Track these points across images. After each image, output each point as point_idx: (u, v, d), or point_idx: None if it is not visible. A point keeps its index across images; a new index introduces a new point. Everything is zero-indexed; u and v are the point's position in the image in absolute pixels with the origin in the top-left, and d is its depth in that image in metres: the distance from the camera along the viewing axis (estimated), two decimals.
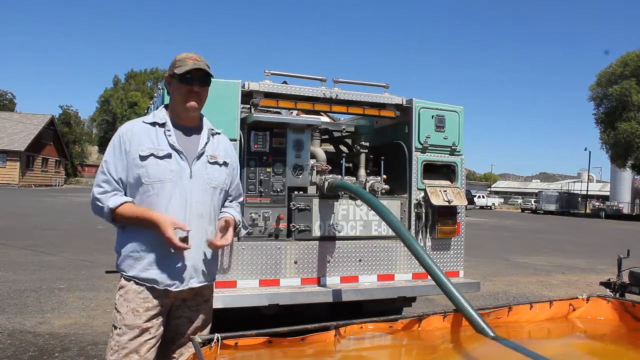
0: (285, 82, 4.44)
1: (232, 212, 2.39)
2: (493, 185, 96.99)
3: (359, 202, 4.10)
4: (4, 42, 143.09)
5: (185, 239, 2.12)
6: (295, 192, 4.08)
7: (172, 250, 2.12)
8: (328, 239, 4.10)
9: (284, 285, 3.93)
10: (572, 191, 63.06)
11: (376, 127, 5.05)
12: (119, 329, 2.17)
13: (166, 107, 2.36)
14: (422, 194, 4.36)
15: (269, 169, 3.98)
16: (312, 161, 4.29)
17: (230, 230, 2.26)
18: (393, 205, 4.27)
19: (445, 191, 4.34)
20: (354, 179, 4.46)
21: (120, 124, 2.83)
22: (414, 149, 4.37)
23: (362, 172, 4.56)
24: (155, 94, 5.50)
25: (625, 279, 4.82)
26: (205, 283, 2.30)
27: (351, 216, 4.20)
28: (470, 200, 44.27)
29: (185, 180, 2.22)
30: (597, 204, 54.95)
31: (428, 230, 4.39)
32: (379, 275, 4.25)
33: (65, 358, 4.34)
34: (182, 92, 2.25)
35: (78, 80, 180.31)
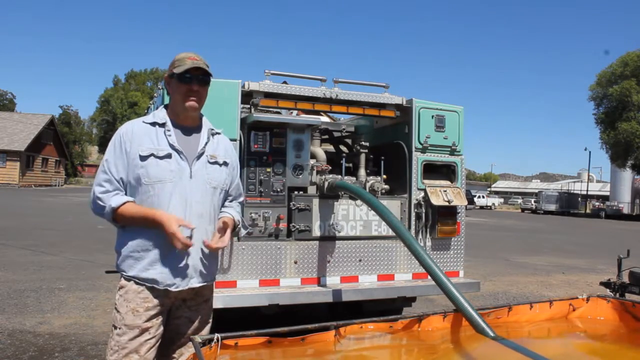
0: (285, 82, 4.44)
1: (232, 212, 2.39)
2: (493, 185, 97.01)
3: (359, 202, 4.10)
4: (4, 42, 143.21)
5: (189, 237, 2.12)
6: (295, 192, 4.08)
7: (178, 248, 2.10)
8: (328, 239, 4.10)
9: (284, 285, 3.93)
10: (572, 191, 63.07)
11: (376, 127, 5.05)
12: (119, 328, 2.17)
13: (166, 107, 2.36)
14: (422, 194, 4.36)
15: (269, 169, 3.98)
16: (312, 161, 4.29)
17: (228, 231, 2.26)
18: (393, 205, 4.27)
19: (445, 191, 4.34)
20: (354, 179, 4.46)
21: (120, 124, 2.84)
22: (414, 149, 4.37)
23: (362, 172, 4.56)
24: (155, 94, 5.50)
25: (625, 279, 4.82)
26: (205, 283, 2.30)
27: (351, 216, 4.20)
28: (470, 200, 44.26)
29: (185, 180, 2.22)
30: (597, 204, 54.95)
31: (428, 230, 4.39)
32: (379, 275, 4.25)
33: (65, 358, 4.34)
34: (181, 92, 2.25)
35: (78, 80, 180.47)
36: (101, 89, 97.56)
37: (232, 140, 2.82)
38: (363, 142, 4.62)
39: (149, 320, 2.18)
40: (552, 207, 50.07)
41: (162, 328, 2.24)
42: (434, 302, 6.36)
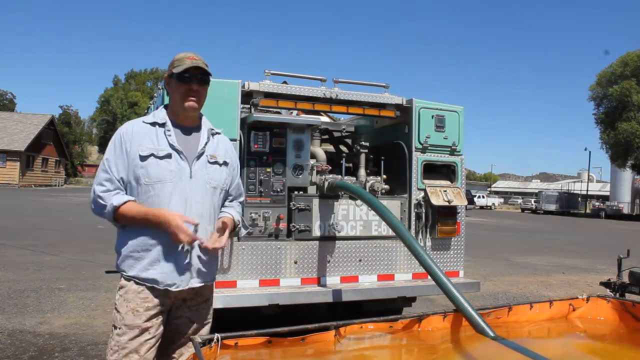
0: (285, 82, 4.44)
1: (232, 212, 2.39)
2: (493, 185, 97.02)
3: (359, 202, 4.10)
4: (4, 42, 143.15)
5: (194, 232, 2.13)
6: (295, 192, 4.08)
7: (184, 241, 2.10)
8: (328, 239, 4.10)
9: (284, 285, 3.93)
10: (572, 191, 63.07)
11: (376, 127, 5.05)
12: (119, 328, 2.17)
13: (166, 107, 2.36)
14: (422, 194, 4.36)
15: (269, 169, 3.98)
16: (312, 161, 4.29)
17: (226, 232, 2.26)
18: (393, 205, 4.27)
19: (445, 191, 4.34)
20: (354, 179, 4.46)
21: (120, 124, 2.83)
22: (414, 149, 4.37)
23: (362, 172, 4.56)
24: (155, 94, 5.50)
25: (625, 279, 4.82)
26: (205, 283, 2.30)
27: (351, 216, 4.20)
28: (470, 200, 44.26)
29: (185, 180, 2.22)
30: (597, 204, 54.94)
31: (428, 230, 4.39)
32: (379, 275, 4.25)
33: (65, 358, 4.34)
34: (180, 91, 2.25)
35: (78, 80, 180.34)
36: (101, 89, 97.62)
37: (232, 140, 2.82)
38: (363, 142, 4.62)
39: (149, 320, 2.18)
40: (552, 207, 50.07)
41: (162, 328, 2.24)
42: (434, 302, 6.36)
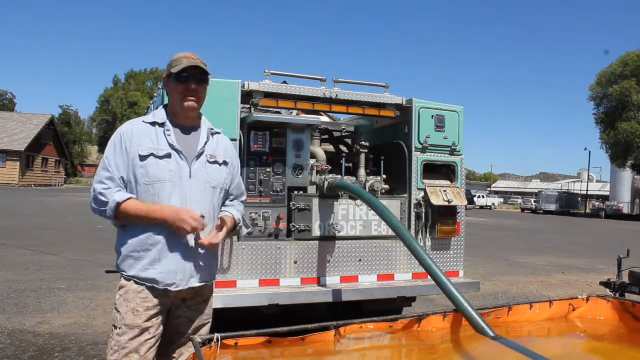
0: (285, 82, 4.44)
1: (232, 211, 2.39)
2: (493, 185, 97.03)
3: (359, 202, 4.10)
4: (4, 42, 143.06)
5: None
6: (295, 192, 4.08)
7: (193, 225, 2.11)
8: (328, 239, 4.10)
9: (284, 285, 3.93)
10: (572, 191, 63.08)
11: (376, 127, 5.05)
12: (119, 328, 2.17)
13: (166, 107, 2.36)
14: (422, 194, 4.36)
15: (269, 169, 3.98)
16: (312, 161, 4.29)
17: (224, 229, 2.26)
18: (393, 205, 4.27)
19: (445, 191, 4.34)
20: (354, 179, 4.46)
21: (120, 124, 2.83)
22: (414, 149, 4.37)
23: (362, 172, 4.56)
24: (155, 94, 5.50)
25: (625, 279, 4.81)
26: (205, 283, 2.30)
27: (351, 216, 4.20)
28: (470, 200, 44.26)
29: (184, 180, 2.22)
30: (597, 204, 54.95)
31: (428, 230, 4.39)
32: (379, 275, 4.25)
33: (65, 358, 4.34)
34: (179, 91, 2.25)
35: (78, 80, 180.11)
36: (101, 89, 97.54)
37: (232, 140, 2.82)
38: (363, 142, 4.62)
39: (149, 320, 2.18)
40: (552, 207, 50.07)
41: (162, 328, 2.24)
42: (434, 302, 6.35)
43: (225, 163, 2.36)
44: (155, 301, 2.19)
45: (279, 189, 4.00)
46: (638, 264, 4.77)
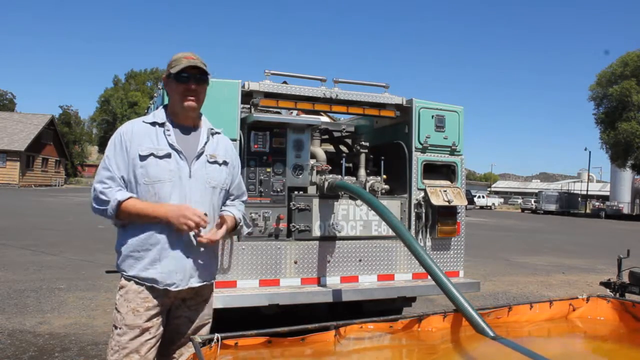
0: (285, 82, 4.44)
1: (233, 210, 2.39)
2: (493, 185, 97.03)
3: (359, 202, 4.10)
4: (4, 42, 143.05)
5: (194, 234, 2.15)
6: (295, 192, 4.08)
7: (195, 221, 2.11)
8: (328, 239, 4.10)
9: (284, 285, 3.93)
10: (572, 191, 63.08)
11: (376, 127, 5.05)
12: (120, 328, 2.17)
13: (165, 107, 2.36)
14: (422, 194, 4.36)
15: (269, 169, 3.98)
16: (312, 161, 4.29)
17: (223, 227, 2.26)
18: (393, 205, 4.27)
19: (445, 191, 4.34)
20: (354, 179, 4.46)
21: (120, 124, 2.82)
22: (414, 149, 4.37)
23: (362, 172, 4.56)
24: (155, 94, 5.50)
25: (625, 279, 4.81)
26: (205, 283, 2.30)
27: (351, 216, 4.20)
28: (470, 200, 44.27)
29: (184, 180, 2.22)
30: (597, 204, 54.95)
31: (428, 230, 4.39)
32: (379, 275, 4.25)
33: (65, 358, 4.34)
34: (179, 91, 2.25)
35: (78, 80, 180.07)
36: (101, 89, 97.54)
37: (232, 140, 2.82)
38: (363, 142, 4.62)
39: (149, 320, 2.18)
40: (552, 207, 50.07)
41: (162, 328, 2.24)
42: (434, 302, 6.36)
43: (225, 163, 2.37)
44: (155, 301, 2.19)
45: (279, 189, 4.00)
46: (638, 264, 4.77)
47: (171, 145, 2.23)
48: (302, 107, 4.34)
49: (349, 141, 5.47)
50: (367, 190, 4.19)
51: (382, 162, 4.46)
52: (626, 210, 49.94)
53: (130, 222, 2.20)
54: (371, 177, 4.43)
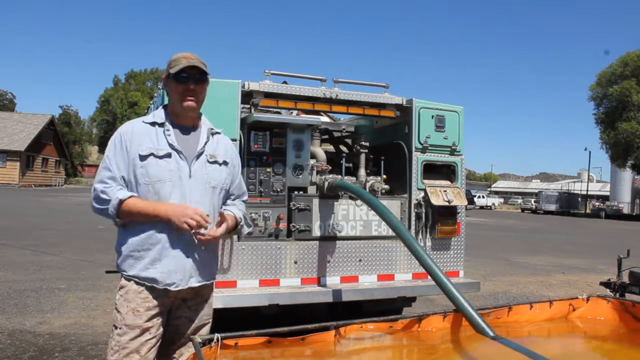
0: (285, 82, 4.44)
1: (234, 209, 2.39)
2: (493, 185, 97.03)
3: (359, 202, 4.10)
4: (4, 42, 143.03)
5: (194, 234, 2.15)
6: (295, 192, 4.08)
7: (197, 220, 2.11)
8: (328, 239, 4.10)
9: (284, 285, 3.93)
10: (572, 191, 63.08)
11: (376, 127, 5.05)
12: (120, 328, 2.17)
13: (165, 107, 2.36)
14: (422, 194, 4.36)
15: (269, 169, 3.98)
16: (312, 161, 4.29)
17: (223, 225, 2.26)
18: (393, 205, 4.27)
19: (445, 191, 4.34)
20: (354, 179, 4.46)
21: (120, 124, 2.83)
22: (414, 149, 4.37)
23: (362, 172, 4.56)
24: (155, 94, 5.50)
25: (625, 279, 4.81)
26: (205, 283, 2.30)
27: (351, 216, 4.20)
28: (470, 200, 44.26)
29: (184, 179, 2.22)
30: (597, 204, 54.95)
31: (428, 230, 4.39)
32: (379, 275, 4.25)
33: (65, 358, 4.34)
34: (178, 91, 2.25)
35: (78, 80, 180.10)
36: (101, 89, 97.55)
37: (232, 140, 2.82)
38: (363, 142, 4.62)
39: (149, 320, 2.18)
40: (552, 207, 50.06)
41: (162, 328, 2.24)
42: (434, 302, 6.35)
43: (225, 163, 2.37)
44: (156, 301, 2.19)
45: (279, 189, 4.00)
46: (638, 264, 4.77)
47: (171, 145, 2.23)
48: (302, 107, 4.34)
49: (349, 141, 5.47)
50: (367, 190, 4.19)
51: (382, 162, 4.46)
52: (626, 210, 49.93)
53: (130, 221, 2.20)
54: (371, 177, 4.43)
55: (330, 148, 5.37)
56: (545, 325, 2.49)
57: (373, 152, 4.70)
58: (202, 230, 2.18)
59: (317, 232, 4.08)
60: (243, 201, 2.51)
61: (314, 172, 4.26)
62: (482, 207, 55.81)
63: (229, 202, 2.43)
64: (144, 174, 2.18)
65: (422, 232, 4.39)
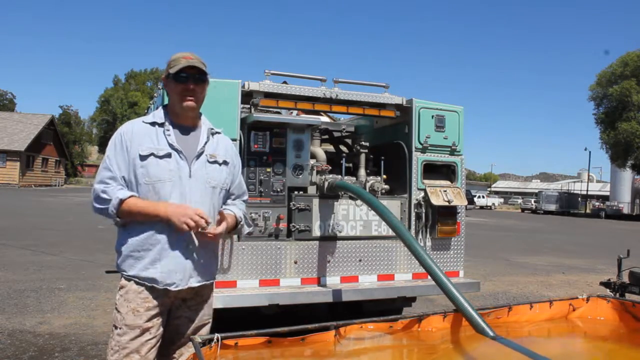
0: (285, 82, 4.44)
1: (234, 209, 2.39)
2: (493, 185, 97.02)
3: (359, 202, 4.10)
4: (4, 42, 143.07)
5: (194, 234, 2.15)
6: (295, 192, 4.08)
7: (196, 219, 2.11)
8: (328, 239, 4.10)
9: (284, 285, 3.93)
10: (572, 191, 63.08)
11: (376, 127, 5.05)
12: (120, 329, 2.17)
13: (165, 107, 2.36)
14: (422, 194, 4.36)
15: (269, 169, 3.98)
16: (312, 161, 4.29)
17: (223, 223, 2.26)
18: (393, 205, 4.27)
19: (445, 191, 4.34)
20: (354, 179, 4.46)
21: (120, 124, 2.83)
22: (414, 149, 4.37)
23: (362, 172, 4.56)
24: (155, 94, 5.50)
25: (625, 279, 4.81)
26: (205, 283, 2.30)
27: (351, 216, 4.20)
28: (470, 200, 44.26)
29: (184, 179, 2.22)
30: (597, 204, 54.94)
31: (428, 230, 4.39)
32: (379, 275, 4.25)
33: (65, 358, 4.34)
34: (178, 91, 2.25)
35: (78, 80, 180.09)
36: (101, 89, 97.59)
37: (232, 140, 2.82)
38: (363, 142, 4.62)
39: (149, 320, 2.18)
40: (552, 207, 50.06)
41: (162, 328, 2.24)
42: (434, 302, 6.35)
43: (225, 163, 2.37)
44: (156, 301, 2.19)
45: (279, 189, 4.00)
46: (638, 264, 4.77)
47: (171, 145, 2.23)
48: (302, 107, 4.34)
49: (349, 141, 5.47)
50: (367, 190, 4.19)
51: (382, 162, 4.46)
52: (626, 210, 49.93)
53: (130, 221, 2.20)
54: (371, 177, 4.43)
55: (330, 148, 5.37)
56: (545, 325, 2.49)
57: (373, 152, 4.70)
58: (202, 230, 2.18)
59: (317, 232, 4.08)
60: (243, 201, 2.51)
61: (314, 172, 4.26)
62: (482, 207, 55.81)
63: (229, 201, 2.43)
64: (144, 174, 2.18)
65: (422, 232, 4.39)
